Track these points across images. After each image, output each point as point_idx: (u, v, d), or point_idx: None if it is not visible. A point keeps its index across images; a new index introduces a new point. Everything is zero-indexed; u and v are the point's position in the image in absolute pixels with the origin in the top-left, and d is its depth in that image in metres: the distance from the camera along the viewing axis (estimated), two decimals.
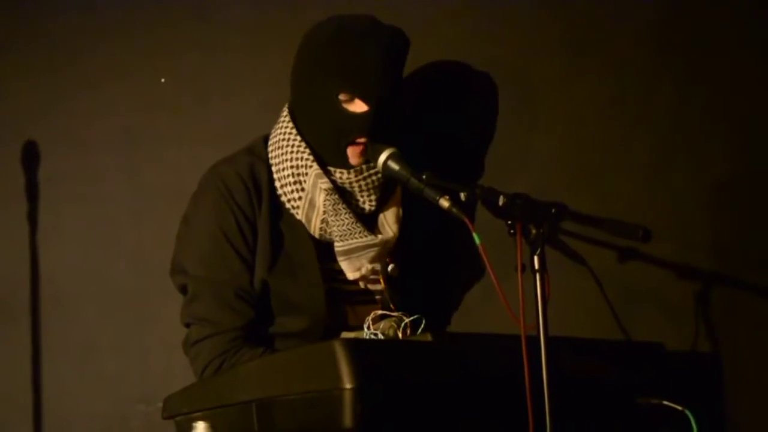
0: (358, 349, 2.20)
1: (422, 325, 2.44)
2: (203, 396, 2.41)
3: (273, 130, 2.76)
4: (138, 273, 3.02)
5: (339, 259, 2.69)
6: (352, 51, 2.62)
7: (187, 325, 2.69)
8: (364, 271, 2.70)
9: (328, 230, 2.69)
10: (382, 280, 2.73)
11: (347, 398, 2.16)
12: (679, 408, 2.47)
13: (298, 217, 2.69)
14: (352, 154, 2.66)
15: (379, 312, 2.55)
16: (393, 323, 2.45)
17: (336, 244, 2.69)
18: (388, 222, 2.75)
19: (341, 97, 2.64)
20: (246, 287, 2.65)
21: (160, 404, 2.54)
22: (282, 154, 2.70)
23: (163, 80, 3.07)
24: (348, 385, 2.16)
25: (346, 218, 2.67)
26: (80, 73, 3.07)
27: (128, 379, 3.03)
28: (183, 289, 2.71)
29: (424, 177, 2.55)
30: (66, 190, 3.04)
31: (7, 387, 3.02)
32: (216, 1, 3.09)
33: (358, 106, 2.64)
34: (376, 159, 2.63)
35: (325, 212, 2.68)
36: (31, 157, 3.02)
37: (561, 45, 3.09)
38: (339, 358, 2.17)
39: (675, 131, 3.06)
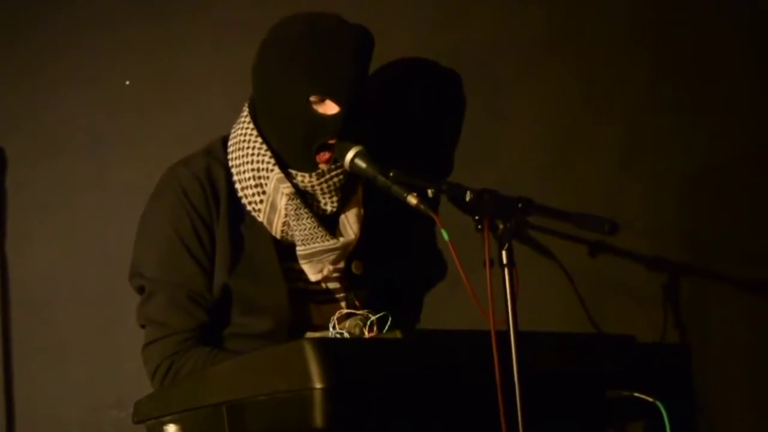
0: (328, 349, 2.20)
1: (389, 323, 2.44)
2: (173, 399, 2.40)
3: (233, 130, 2.74)
4: (108, 277, 3.01)
5: (301, 261, 2.69)
6: (323, 52, 2.61)
7: (142, 327, 2.70)
8: (325, 272, 2.70)
9: (290, 233, 2.69)
10: (342, 281, 2.72)
11: (317, 398, 2.16)
12: (650, 400, 2.48)
13: (260, 219, 2.68)
14: (321, 158, 2.66)
15: (345, 311, 2.56)
16: (359, 321, 2.45)
17: (298, 248, 2.68)
18: (350, 223, 2.74)
19: (312, 98, 2.63)
20: (199, 290, 2.64)
21: (132, 409, 2.53)
22: (242, 156, 2.69)
23: (127, 83, 3.06)
24: (318, 385, 2.16)
25: (308, 223, 2.67)
26: (45, 79, 3.06)
27: (100, 384, 3.02)
28: (140, 291, 2.71)
29: (391, 174, 2.55)
30: (34, 195, 3.03)
31: None
32: (178, 2, 3.08)
33: (329, 108, 2.64)
34: (343, 157, 2.62)
35: (286, 215, 2.67)
36: None
37: (528, 37, 3.08)
38: (308, 358, 2.17)
39: (643, 123, 3.06)
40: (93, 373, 3.03)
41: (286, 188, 2.66)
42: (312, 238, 2.67)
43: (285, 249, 2.70)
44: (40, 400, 3.01)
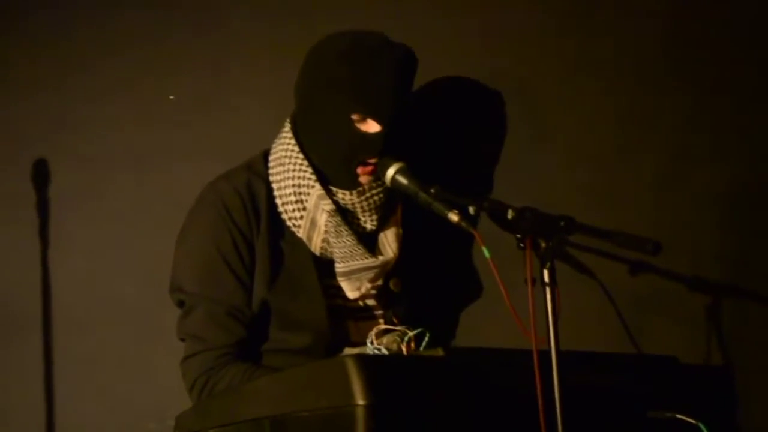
0: (371, 366, 2.20)
1: (426, 339, 2.44)
2: (215, 413, 2.41)
3: (274, 146, 2.74)
4: (148, 289, 3.02)
5: (339, 279, 2.69)
6: (366, 71, 2.61)
7: (182, 340, 2.71)
8: (363, 290, 2.71)
9: (329, 249, 2.69)
10: (380, 298, 2.73)
11: (360, 415, 2.16)
12: (692, 421, 2.46)
13: (299, 235, 2.69)
14: (362, 173, 2.66)
15: (382, 327, 2.56)
16: (396, 337, 2.45)
17: (337, 265, 2.69)
18: (389, 241, 2.74)
19: (354, 117, 2.63)
20: (239, 306, 2.65)
21: (171, 422, 2.54)
22: (284, 171, 2.69)
23: (171, 97, 3.08)
24: (361, 402, 2.16)
25: (348, 240, 2.67)
26: (88, 90, 3.08)
27: (139, 396, 3.03)
28: (181, 305, 2.72)
29: (432, 191, 2.54)
30: (75, 206, 3.05)
31: (19, 404, 3.02)
32: (222, 16, 3.09)
33: (371, 126, 2.64)
34: (384, 173, 2.63)
35: (326, 232, 2.68)
36: (41, 175, 3.03)
37: (568, 56, 3.08)
38: (351, 375, 2.17)
39: (684, 142, 3.06)
40: (132, 386, 3.03)
41: (327, 205, 2.66)
42: (351, 256, 2.68)
43: (324, 265, 2.70)
44: (78, 412, 3.02)
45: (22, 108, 3.07)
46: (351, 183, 2.67)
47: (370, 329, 2.55)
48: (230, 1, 3.09)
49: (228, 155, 2.90)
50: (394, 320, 2.71)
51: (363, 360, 2.20)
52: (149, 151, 3.07)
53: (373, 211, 2.70)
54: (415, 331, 2.44)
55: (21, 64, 3.08)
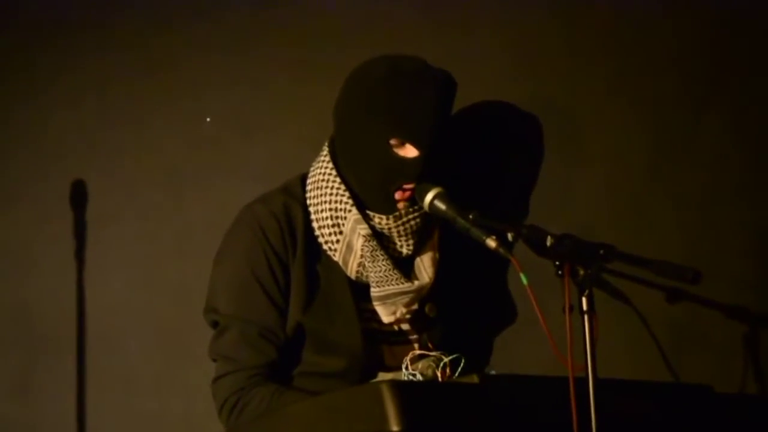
0: (405, 392, 2.19)
1: (461, 365, 2.43)
2: None
3: (312, 169, 2.75)
4: (182, 311, 3.03)
5: (374, 303, 2.69)
6: (405, 96, 2.61)
7: (214, 361, 2.71)
8: (398, 315, 2.71)
9: (365, 273, 2.69)
10: (414, 323, 2.72)
11: None
12: None
13: (335, 258, 2.69)
14: (400, 198, 2.66)
15: (418, 352, 2.55)
16: (431, 363, 2.45)
17: (372, 289, 2.69)
18: (425, 266, 2.74)
19: (392, 141, 2.64)
20: (272, 328, 2.65)
21: None
22: (321, 195, 2.70)
23: (208, 119, 3.09)
24: (395, 428, 2.15)
25: (384, 265, 2.67)
26: (127, 111, 3.09)
27: (169, 416, 3.04)
28: (215, 326, 2.72)
29: (470, 216, 2.54)
30: (112, 228, 3.06)
31: (51, 422, 3.03)
32: (261, 37, 3.10)
33: (409, 152, 2.64)
34: (422, 198, 2.63)
35: (362, 256, 2.68)
36: (79, 196, 3.04)
37: (605, 80, 3.08)
38: (386, 400, 2.16)
39: (723, 169, 3.04)
40: (163, 406, 3.04)
41: (363, 229, 2.66)
42: (387, 281, 2.67)
43: (360, 289, 2.70)
44: (110, 429, 3.03)
45: (60, 127, 3.09)
46: (388, 208, 2.67)
47: (405, 354, 2.54)
48: (270, 23, 3.10)
49: (265, 177, 2.91)
50: (429, 345, 2.70)
51: (398, 386, 2.19)
52: (186, 172, 3.08)
53: (410, 236, 2.70)
54: (451, 357, 2.44)
55: (61, 83, 3.10)
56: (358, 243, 2.67)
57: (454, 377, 2.44)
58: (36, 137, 3.09)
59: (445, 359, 2.44)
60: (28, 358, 3.05)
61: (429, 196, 2.62)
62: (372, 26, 3.07)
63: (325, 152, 2.74)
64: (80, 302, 3.02)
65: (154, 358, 3.05)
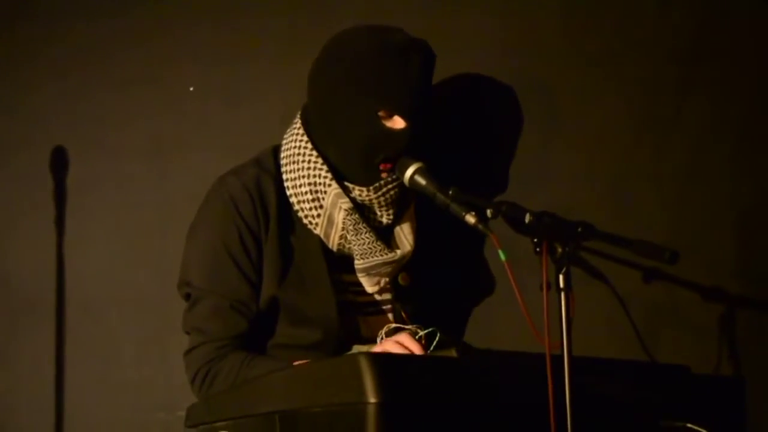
0: (384, 364, 2.20)
1: (437, 338, 2.43)
2: (226, 406, 2.41)
3: (285, 142, 2.73)
4: (162, 280, 3.02)
5: (359, 275, 2.69)
6: (393, 68, 2.61)
7: (187, 333, 2.71)
8: (382, 284, 2.71)
9: (347, 246, 2.69)
10: (386, 292, 2.73)
11: (371, 412, 2.16)
12: (703, 431, 2.46)
13: (316, 232, 2.69)
14: (383, 168, 2.66)
15: (393, 325, 2.55)
16: None
17: (356, 261, 2.69)
18: (405, 234, 2.74)
19: (380, 113, 2.64)
20: (243, 300, 2.65)
21: (180, 413, 2.54)
22: (298, 169, 2.69)
23: (191, 89, 3.08)
24: (372, 399, 2.16)
25: (367, 237, 2.67)
26: (110, 80, 3.08)
27: (149, 386, 3.04)
28: (188, 299, 2.72)
29: (450, 192, 2.54)
30: (93, 196, 3.05)
31: (29, 390, 3.03)
32: (245, 10, 3.09)
33: (397, 123, 2.64)
34: (403, 173, 2.63)
35: (344, 229, 2.68)
36: (59, 163, 3.03)
37: (588, 58, 3.08)
38: (364, 372, 2.17)
39: (703, 150, 3.05)
40: (143, 376, 3.04)
41: (345, 203, 2.66)
42: (371, 252, 2.68)
43: (334, 260, 2.71)
44: (89, 399, 3.03)
45: (42, 95, 3.08)
46: (370, 178, 2.67)
47: (380, 325, 2.55)
48: None
49: (248, 148, 2.89)
50: (403, 315, 2.71)
51: (376, 358, 2.20)
52: (168, 142, 3.08)
53: (390, 206, 2.70)
54: (426, 330, 2.44)
55: (43, 52, 3.08)
56: (339, 216, 2.67)
57: (429, 351, 2.45)
58: (18, 105, 3.08)
59: (421, 333, 2.45)
60: (7, 326, 3.04)
61: (409, 171, 2.61)
62: None
63: (298, 125, 2.73)
64: (60, 270, 3.02)
65: (134, 327, 3.05)
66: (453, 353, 2.32)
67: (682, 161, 3.05)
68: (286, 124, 2.77)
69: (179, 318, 2.86)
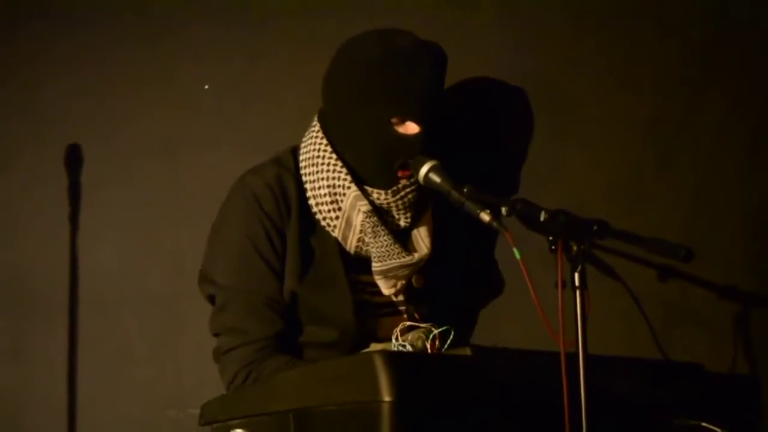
0: (398, 362, 2.20)
1: (451, 337, 2.44)
2: (241, 404, 2.41)
3: (304, 144, 2.74)
4: (175, 279, 3.03)
5: (376, 277, 2.70)
6: (403, 74, 2.62)
7: (216, 335, 2.70)
8: (398, 286, 2.72)
9: (365, 248, 2.70)
10: (402, 294, 2.74)
11: (385, 411, 2.16)
12: (718, 430, 2.46)
13: (334, 234, 2.69)
14: (402, 175, 2.66)
15: (408, 323, 2.55)
16: (422, 334, 2.45)
17: (374, 264, 2.69)
18: (422, 237, 2.75)
19: (393, 120, 2.64)
20: (275, 297, 2.65)
21: (192, 410, 2.55)
22: (317, 171, 2.69)
23: (206, 87, 3.08)
24: (387, 398, 2.16)
25: (385, 240, 2.67)
26: (124, 77, 3.08)
27: (161, 383, 3.04)
28: (211, 299, 2.71)
29: (465, 190, 2.54)
30: (107, 193, 3.05)
31: (42, 387, 3.03)
32: (260, 9, 3.09)
33: (410, 128, 2.65)
34: (417, 170, 2.63)
35: (362, 231, 2.68)
36: (74, 159, 3.04)
37: (600, 60, 3.07)
38: (378, 371, 2.17)
39: (716, 149, 3.04)
40: (155, 373, 3.04)
41: (364, 205, 2.67)
42: (389, 255, 2.68)
43: (352, 261, 2.71)
44: (101, 396, 3.03)
45: (57, 92, 3.08)
46: (388, 182, 2.67)
47: (395, 325, 2.55)
48: None
49: (263, 147, 2.90)
50: (416, 316, 2.72)
51: (390, 356, 2.20)
52: (182, 140, 3.07)
53: (408, 209, 2.71)
54: (440, 329, 2.44)
55: (59, 48, 3.09)
56: (358, 219, 2.67)
57: (443, 349, 2.45)
58: (33, 102, 3.08)
59: (435, 331, 2.45)
60: (20, 322, 3.05)
61: (424, 169, 2.62)
62: None
63: (316, 127, 2.73)
64: (73, 267, 3.02)
65: (147, 324, 3.05)
66: (467, 351, 2.32)
67: (695, 159, 3.04)
68: (305, 121, 2.76)
69: (191, 316, 2.88)
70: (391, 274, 2.70)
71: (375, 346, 2.60)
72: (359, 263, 2.71)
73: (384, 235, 2.67)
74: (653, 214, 3.02)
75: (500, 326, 2.96)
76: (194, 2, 3.09)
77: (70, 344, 3.02)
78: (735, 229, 2.99)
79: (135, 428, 3.03)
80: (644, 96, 3.07)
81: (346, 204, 2.68)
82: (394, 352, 2.41)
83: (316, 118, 2.75)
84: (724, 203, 3.01)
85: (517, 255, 2.36)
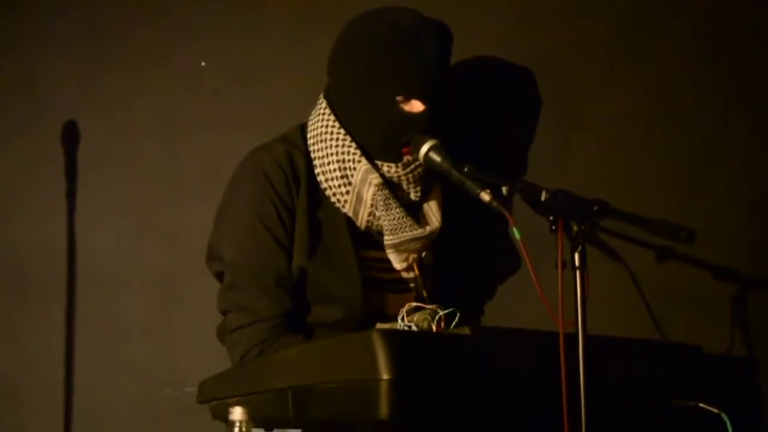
0: (396, 341, 2.19)
1: (456, 319, 2.43)
2: (239, 381, 2.41)
3: (311, 121, 2.73)
4: (172, 257, 3.03)
5: (388, 251, 2.69)
6: (409, 52, 2.61)
7: (224, 313, 2.68)
8: (410, 260, 2.72)
9: (376, 222, 2.69)
10: (416, 268, 2.73)
11: (383, 389, 2.16)
12: (715, 411, 2.46)
13: (344, 210, 2.69)
14: (406, 152, 2.66)
15: (414, 304, 2.55)
16: (427, 315, 2.44)
17: (386, 237, 2.69)
18: (433, 211, 2.75)
19: (398, 98, 2.64)
20: (285, 275, 2.64)
21: (188, 388, 2.54)
22: (326, 147, 2.69)
23: (203, 63, 3.07)
24: (385, 376, 2.16)
25: (397, 212, 2.67)
26: (122, 54, 3.07)
27: (157, 362, 3.04)
28: (219, 276, 2.70)
29: (465, 169, 2.53)
30: (104, 171, 3.05)
31: (39, 365, 3.03)
32: None
33: (415, 106, 2.64)
34: (418, 150, 2.62)
35: (372, 205, 2.67)
36: (71, 137, 3.03)
37: (605, 44, 3.07)
38: (377, 349, 2.17)
39: (718, 134, 3.04)
40: (151, 352, 3.04)
41: (375, 178, 2.66)
42: (401, 228, 2.68)
43: (360, 237, 2.71)
44: (98, 374, 3.03)
45: (54, 70, 3.07)
46: (395, 157, 2.67)
47: (404, 302, 2.53)
48: None
49: (260, 125, 2.90)
50: (424, 293, 2.71)
51: (389, 335, 2.20)
52: (179, 118, 3.07)
53: (418, 182, 2.71)
54: (447, 311, 2.44)
55: (57, 26, 3.07)
56: (369, 192, 2.67)
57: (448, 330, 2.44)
58: (30, 80, 3.07)
59: (441, 312, 2.44)
60: (17, 302, 3.04)
61: (424, 148, 2.61)
62: None
63: (324, 104, 2.73)
64: (70, 246, 3.01)
65: (143, 304, 3.04)
66: (466, 331, 2.31)
67: (695, 145, 3.04)
68: (303, 97, 2.76)
69: (188, 295, 2.87)
70: (403, 248, 2.69)
71: (381, 326, 2.59)
72: (368, 240, 2.70)
73: (396, 208, 2.67)
74: (654, 197, 3.02)
75: (504, 307, 2.96)
76: None
77: (67, 324, 3.01)
78: (734, 212, 3.00)
79: (132, 407, 3.03)
80: (647, 80, 3.07)
81: (356, 178, 2.67)
82: (394, 330, 2.40)
83: (322, 96, 2.74)
84: (724, 186, 3.02)
85: (517, 235, 2.36)
